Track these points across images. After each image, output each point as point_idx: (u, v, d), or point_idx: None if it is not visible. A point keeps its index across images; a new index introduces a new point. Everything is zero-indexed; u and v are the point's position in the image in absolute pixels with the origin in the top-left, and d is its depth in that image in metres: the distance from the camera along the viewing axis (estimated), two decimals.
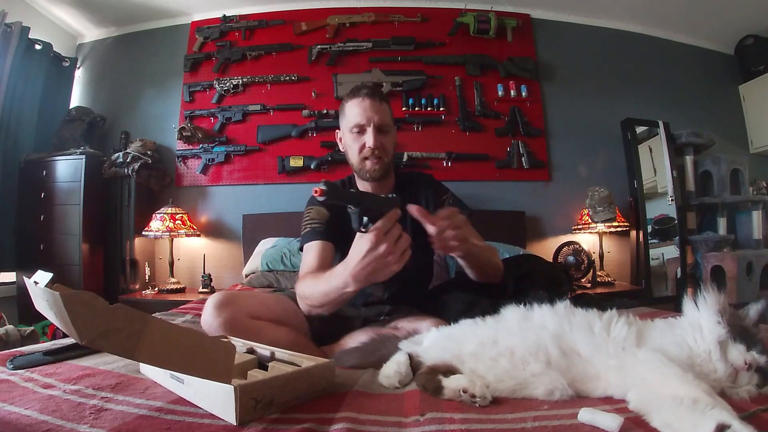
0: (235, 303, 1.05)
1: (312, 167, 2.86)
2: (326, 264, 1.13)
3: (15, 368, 0.81)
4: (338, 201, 0.80)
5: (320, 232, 1.20)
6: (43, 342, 1.60)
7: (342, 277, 0.91)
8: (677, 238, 2.88)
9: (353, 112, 1.22)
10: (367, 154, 1.21)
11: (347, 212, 0.83)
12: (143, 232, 2.65)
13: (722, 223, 2.98)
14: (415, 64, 2.96)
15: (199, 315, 1.09)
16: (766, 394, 0.61)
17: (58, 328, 2.16)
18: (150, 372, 0.78)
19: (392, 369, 0.74)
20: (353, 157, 1.25)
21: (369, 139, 1.20)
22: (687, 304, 0.71)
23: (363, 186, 1.30)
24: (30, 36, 2.72)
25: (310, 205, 1.28)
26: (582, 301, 1.08)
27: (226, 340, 0.89)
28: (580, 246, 2.74)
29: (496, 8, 3.02)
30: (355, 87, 1.26)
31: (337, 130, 1.33)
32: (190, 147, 2.94)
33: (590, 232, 2.82)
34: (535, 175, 2.95)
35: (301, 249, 1.24)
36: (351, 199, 0.82)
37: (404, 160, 2.81)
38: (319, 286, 1.00)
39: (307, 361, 0.75)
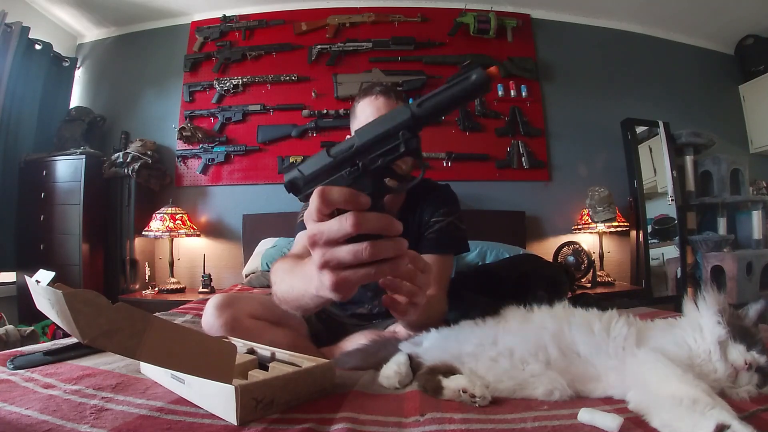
0: (236, 304, 1.05)
1: None
2: None
3: (15, 368, 0.81)
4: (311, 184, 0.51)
5: None
6: (43, 342, 1.60)
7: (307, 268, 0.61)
8: (677, 238, 2.89)
9: (366, 112, 1.11)
10: None
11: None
12: (143, 232, 2.65)
13: (722, 223, 2.98)
14: (415, 64, 2.96)
15: (199, 315, 1.09)
16: (766, 394, 0.61)
17: (58, 328, 2.17)
18: (150, 372, 0.78)
19: (392, 369, 0.74)
20: None
21: None
22: (687, 304, 0.71)
23: None
24: (30, 36, 2.72)
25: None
26: (582, 301, 1.08)
27: (227, 340, 0.89)
28: (580, 246, 2.74)
29: (496, 8, 3.03)
30: (367, 85, 1.15)
31: (348, 136, 1.20)
32: (190, 147, 2.94)
33: (590, 232, 2.82)
34: (535, 175, 2.95)
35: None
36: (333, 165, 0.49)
37: None
38: (294, 275, 0.73)
39: (307, 361, 0.75)
